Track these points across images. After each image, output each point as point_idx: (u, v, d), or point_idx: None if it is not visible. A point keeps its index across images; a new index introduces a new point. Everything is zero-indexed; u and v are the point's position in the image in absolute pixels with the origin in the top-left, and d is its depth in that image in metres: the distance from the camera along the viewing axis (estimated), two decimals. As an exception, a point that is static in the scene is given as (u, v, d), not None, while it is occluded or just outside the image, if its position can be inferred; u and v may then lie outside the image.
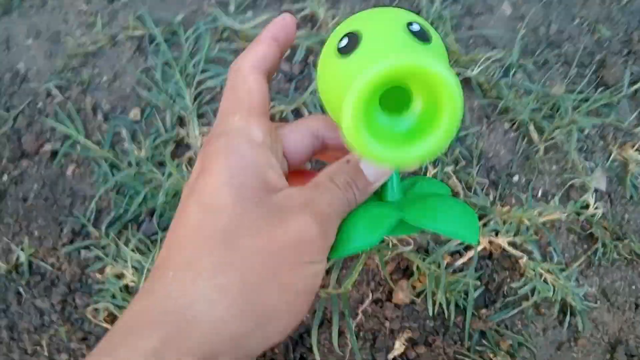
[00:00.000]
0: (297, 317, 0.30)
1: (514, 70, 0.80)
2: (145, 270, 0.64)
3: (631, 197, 0.79)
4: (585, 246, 0.76)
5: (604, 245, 0.74)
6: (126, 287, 0.66)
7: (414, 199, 0.35)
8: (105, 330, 0.65)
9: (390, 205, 0.34)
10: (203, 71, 0.75)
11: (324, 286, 0.68)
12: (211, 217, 0.28)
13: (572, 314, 0.72)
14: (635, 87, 0.82)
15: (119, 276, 0.67)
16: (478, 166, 0.75)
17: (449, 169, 0.72)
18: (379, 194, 0.35)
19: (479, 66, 0.75)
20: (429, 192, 0.38)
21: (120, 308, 0.65)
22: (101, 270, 0.68)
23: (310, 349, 0.67)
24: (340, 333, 0.67)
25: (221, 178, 0.29)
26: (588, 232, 0.76)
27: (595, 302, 0.73)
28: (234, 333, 0.27)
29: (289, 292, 0.29)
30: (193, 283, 0.27)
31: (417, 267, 0.68)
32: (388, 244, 0.67)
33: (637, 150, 0.80)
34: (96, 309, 0.66)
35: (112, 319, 0.66)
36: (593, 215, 0.75)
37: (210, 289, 0.27)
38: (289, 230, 0.28)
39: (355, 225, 0.32)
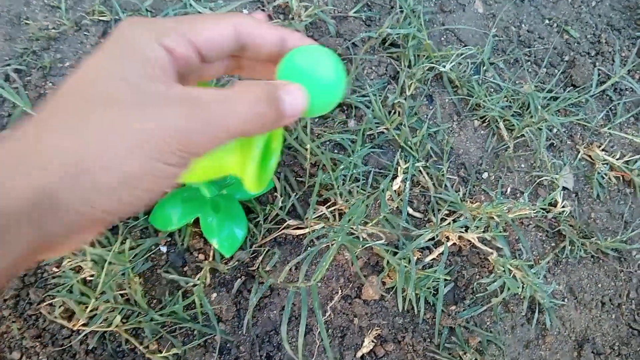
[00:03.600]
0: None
1: (485, 67, 0.80)
2: (106, 264, 0.61)
3: (598, 196, 0.80)
4: (553, 244, 0.76)
5: (571, 243, 0.75)
6: (84, 280, 0.63)
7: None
8: (62, 327, 0.62)
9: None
10: (171, 59, 0.73)
11: (292, 281, 0.66)
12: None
13: (540, 312, 0.72)
14: (603, 87, 0.83)
15: (77, 270, 0.64)
16: (448, 162, 0.74)
17: (420, 164, 0.72)
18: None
19: (450, 62, 0.75)
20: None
21: (78, 303, 0.61)
22: (58, 264, 0.65)
23: (277, 347, 0.65)
24: (308, 331, 0.66)
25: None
26: (556, 229, 0.76)
27: (563, 300, 0.74)
28: None
29: None
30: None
31: (387, 263, 0.67)
32: (359, 238, 0.66)
33: (603, 150, 0.81)
34: (51, 305, 0.62)
35: (68, 315, 0.63)
36: (561, 213, 0.76)
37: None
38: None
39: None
